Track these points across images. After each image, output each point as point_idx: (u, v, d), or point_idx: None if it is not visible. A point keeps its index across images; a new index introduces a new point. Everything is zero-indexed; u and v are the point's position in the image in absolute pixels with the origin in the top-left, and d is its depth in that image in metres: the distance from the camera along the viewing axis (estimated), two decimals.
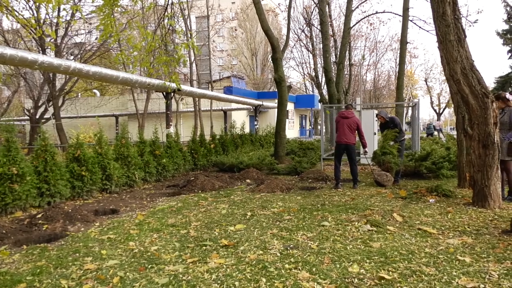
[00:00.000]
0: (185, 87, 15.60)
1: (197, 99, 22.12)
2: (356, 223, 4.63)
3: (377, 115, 8.44)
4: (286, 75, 45.66)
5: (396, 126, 8.14)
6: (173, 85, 12.51)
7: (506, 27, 31.07)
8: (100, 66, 15.43)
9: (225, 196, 6.89)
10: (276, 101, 13.04)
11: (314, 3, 17.74)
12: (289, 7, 15.38)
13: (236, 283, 3.00)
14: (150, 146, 9.22)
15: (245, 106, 26.71)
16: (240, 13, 39.91)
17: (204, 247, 3.91)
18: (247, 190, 7.50)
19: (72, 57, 17.88)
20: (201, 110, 23.05)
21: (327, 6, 17.03)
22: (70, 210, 5.28)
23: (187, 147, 11.20)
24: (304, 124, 41.68)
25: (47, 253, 3.91)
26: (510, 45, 30.78)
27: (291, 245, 3.87)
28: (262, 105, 25.02)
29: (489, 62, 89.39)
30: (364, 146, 7.72)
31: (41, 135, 6.63)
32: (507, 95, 5.84)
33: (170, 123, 14.21)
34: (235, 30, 43.43)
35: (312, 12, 22.22)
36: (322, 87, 22.06)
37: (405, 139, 8.42)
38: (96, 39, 18.26)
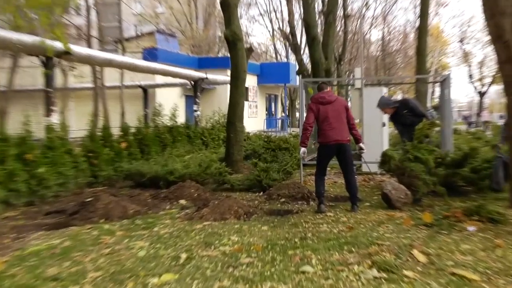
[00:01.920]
0: (79, 49, 15.21)
1: (98, 69, 21.59)
2: (356, 266, 4.68)
3: (378, 106, 8.62)
4: (245, 31, 45.92)
5: (413, 110, 8.37)
6: (58, 44, 12.20)
7: None
8: None
9: (144, 227, 6.82)
10: (229, 72, 12.98)
11: None
12: None
13: None
14: (17, 146, 9.03)
15: (178, 81, 26.43)
16: None
17: None
18: (181, 217, 7.47)
19: None
20: (105, 87, 22.53)
21: None
22: None
23: (82, 147, 11.01)
24: (273, 109, 42.04)
25: None
26: None
27: None
28: (206, 78, 24.90)
29: None
30: (358, 140, 7.85)
31: None
32: None
33: (53, 108, 13.78)
34: None
35: None
36: (301, 51, 22.34)
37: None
38: None
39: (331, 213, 7.42)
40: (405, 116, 8.44)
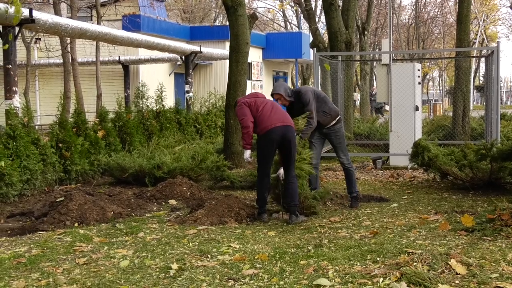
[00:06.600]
0: (44, 16, 15.18)
1: (68, 41, 21.59)
2: (381, 279, 4.70)
3: (273, 94, 8.20)
4: None
5: (306, 105, 7.90)
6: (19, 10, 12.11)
7: None
8: None
9: (127, 232, 6.85)
10: (227, 45, 12.98)
11: None
12: None
13: None
14: None
15: (165, 55, 26.40)
16: None
17: None
18: (171, 220, 7.50)
19: None
20: (77, 63, 22.54)
21: None
22: None
23: (50, 136, 11.00)
24: None
25: None
26: None
27: None
28: (200, 52, 24.86)
29: None
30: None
31: None
32: None
33: (15, 89, 13.83)
34: None
35: None
36: (316, 19, 22.31)
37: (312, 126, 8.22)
38: None
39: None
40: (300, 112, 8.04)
